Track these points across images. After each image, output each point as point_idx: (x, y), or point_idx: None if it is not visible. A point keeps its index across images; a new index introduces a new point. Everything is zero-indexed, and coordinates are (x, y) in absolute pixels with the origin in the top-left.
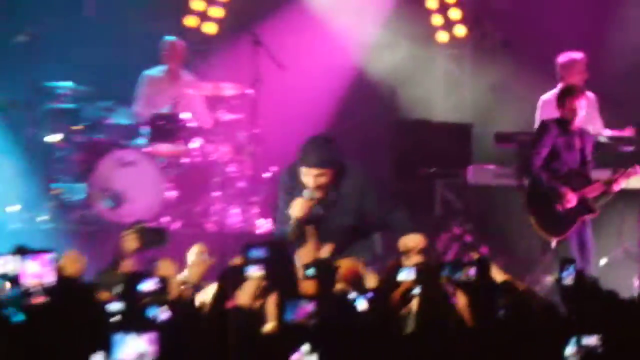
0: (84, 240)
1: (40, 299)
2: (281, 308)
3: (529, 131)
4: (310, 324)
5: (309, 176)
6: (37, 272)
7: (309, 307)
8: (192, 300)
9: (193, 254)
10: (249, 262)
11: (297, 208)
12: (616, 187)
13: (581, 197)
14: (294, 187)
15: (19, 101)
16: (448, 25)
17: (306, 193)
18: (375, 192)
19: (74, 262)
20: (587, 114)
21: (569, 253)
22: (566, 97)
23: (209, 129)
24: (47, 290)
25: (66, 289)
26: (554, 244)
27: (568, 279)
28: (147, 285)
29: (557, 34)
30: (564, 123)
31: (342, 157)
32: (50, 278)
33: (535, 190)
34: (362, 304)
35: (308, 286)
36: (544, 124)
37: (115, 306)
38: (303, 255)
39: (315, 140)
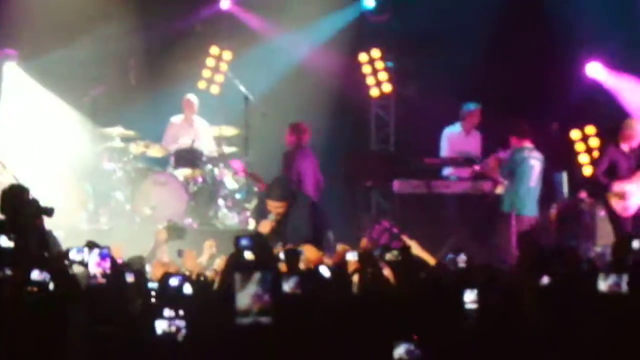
0: (131, 236)
1: (101, 280)
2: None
3: None
4: (298, 292)
5: (271, 206)
6: (98, 261)
7: (295, 280)
8: (205, 277)
9: (207, 246)
10: (241, 249)
11: (263, 227)
12: None
13: None
14: (263, 211)
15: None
16: (378, 84)
17: (270, 216)
18: (313, 217)
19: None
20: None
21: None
22: None
23: (216, 157)
24: (104, 275)
25: (116, 272)
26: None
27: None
28: (173, 281)
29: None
30: None
31: (295, 191)
32: (106, 266)
33: None
34: (326, 272)
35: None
36: None
37: (152, 285)
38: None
39: (277, 180)
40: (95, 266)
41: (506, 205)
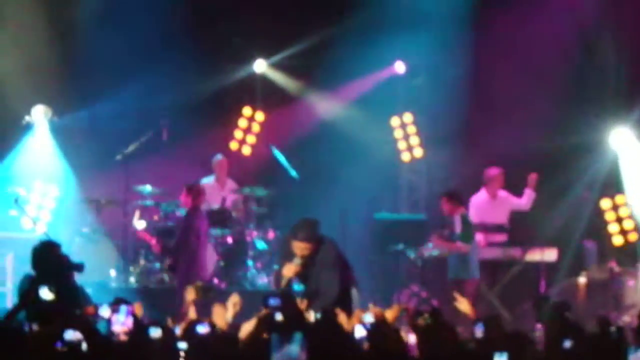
0: (161, 295)
1: (123, 338)
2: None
3: None
4: None
5: (296, 248)
6: (122, 320)
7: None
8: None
9: (231, 302)
10: (269, 308)
11: (287, 270)
12: None
13: None
14: (287, 253)
15: (116, 199)
16: (409, 148)
17: (295, 260)
18: (339, 265)
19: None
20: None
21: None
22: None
23: (245, 217)
24: (127, 333)
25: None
26: None
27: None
28: (202, 329)
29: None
30: None
31: (321, 235)
32: (129, 323)
33: None
34: (361, 332)
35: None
36: None
37: (182, 345)
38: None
39: (304, 221)
40: (119, 324)
41: (463, 272)
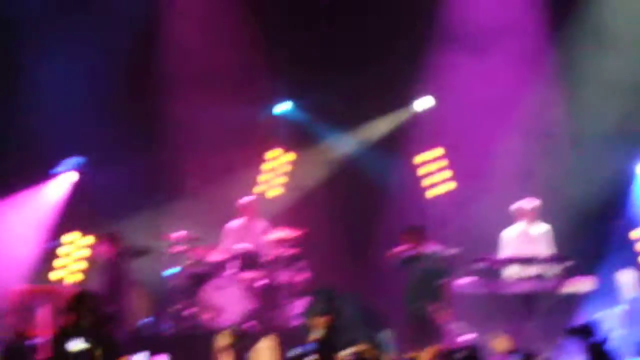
0: (195, 341)
1: None
2: None
3: None
4: None
5: (317, 322)
6: None
7: None
8: None
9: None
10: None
11: (315, 334)
12: None
13: None
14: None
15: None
16: (439, 182)
17: (317, 332)
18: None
19: None
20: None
21: None
22: None
23: (276, 260)
24: None
25: None
26: None
27: None
28: None
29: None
30: None
31: (337, 300)
32: None
33: None
34: None
35: None
36: None
37: None
38: None
39: (318, 295)
40: None
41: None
